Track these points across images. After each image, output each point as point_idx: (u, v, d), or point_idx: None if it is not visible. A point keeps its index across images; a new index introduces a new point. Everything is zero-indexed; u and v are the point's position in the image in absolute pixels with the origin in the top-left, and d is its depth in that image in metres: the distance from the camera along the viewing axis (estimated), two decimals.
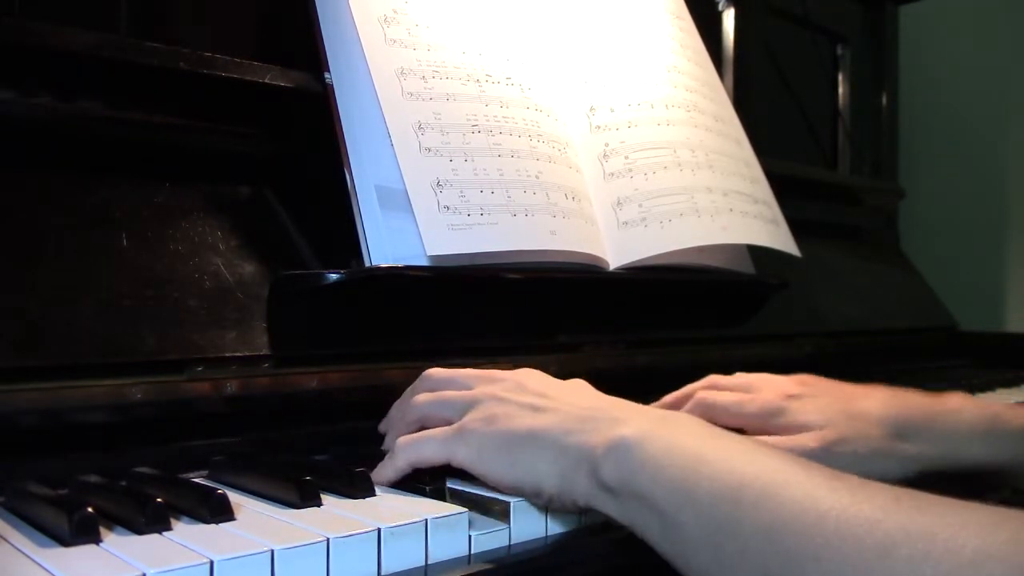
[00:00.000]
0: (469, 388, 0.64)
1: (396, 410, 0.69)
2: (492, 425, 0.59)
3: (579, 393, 0.62)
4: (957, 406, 0.77)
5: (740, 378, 0.82)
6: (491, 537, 0.55)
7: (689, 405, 0.80)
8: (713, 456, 0.51)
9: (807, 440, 0.73)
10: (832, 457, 0.71)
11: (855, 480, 0.48)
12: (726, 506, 0.48)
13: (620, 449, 0.53)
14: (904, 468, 0.73)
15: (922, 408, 0.76)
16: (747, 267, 1.08)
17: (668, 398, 0.84)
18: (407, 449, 0.62)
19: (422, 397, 0.66)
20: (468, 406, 0.62)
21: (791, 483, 0.47)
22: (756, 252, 1.07)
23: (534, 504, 0.58)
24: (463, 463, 0.59)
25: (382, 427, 0.71)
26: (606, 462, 0.53)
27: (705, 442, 0.52)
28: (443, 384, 0.66)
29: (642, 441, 0.53)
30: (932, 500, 0.45)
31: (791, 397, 0.77)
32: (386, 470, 0.62)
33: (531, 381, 0.63)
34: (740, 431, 0.66)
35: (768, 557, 0.46)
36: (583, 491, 0.55)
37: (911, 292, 1.57)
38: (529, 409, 0.59)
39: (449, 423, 0.62)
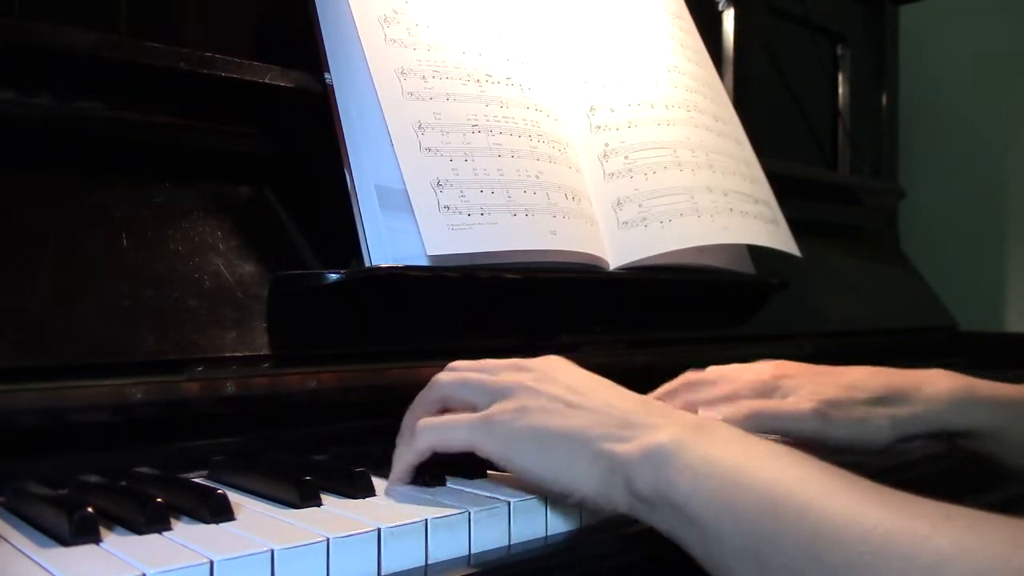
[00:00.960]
0: (496, 375, 0.61)
1: (419, 396, 0.66)
2: (523, 417, 0.56)
3: (608, 390, 0.60)
4: (933, 376, 0.79)
5: (714, 371, 0.81)
6: (491, 537, 0.55)
7: (677, 382, 0.80)
8: (752, 465, 0.49)
9: (802, 402, 0.73)
10: (827, 422, 0.73)
11: (901, 495, 0.46)
12: (767, 518, 0.46)
13: (656, 458, 0.51)
14: (895, 431, 0.74)
15: (902, 377, 0.78)
16: (747, 267, 1.08)
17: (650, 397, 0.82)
18: (429, 432, 0.60)
19: (446, 376, 0.63)
20: (496, 394, 0.59)
21: (835, 495, 0.46)
22: (756, 252, 1.07)
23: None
24: (489, 454, 0.57)
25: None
26: (641, 471, 0.52)
27: (742, 450, 0.51)
28: (469, 370, 0.63)
29: (679, 450, 0.51)
30: (984, 517, 0.44)
31: (779, 377, 0.78)
32: (406, 454, 0.60)
33: (560, 372, 0.61)
34: None
35: (811, 572, 0.44)
36: (623, 500, 0.53)
37: (911, 292, 1.57)
38: (561, 404, 0.57)
39: (472, 407, 0.60)
